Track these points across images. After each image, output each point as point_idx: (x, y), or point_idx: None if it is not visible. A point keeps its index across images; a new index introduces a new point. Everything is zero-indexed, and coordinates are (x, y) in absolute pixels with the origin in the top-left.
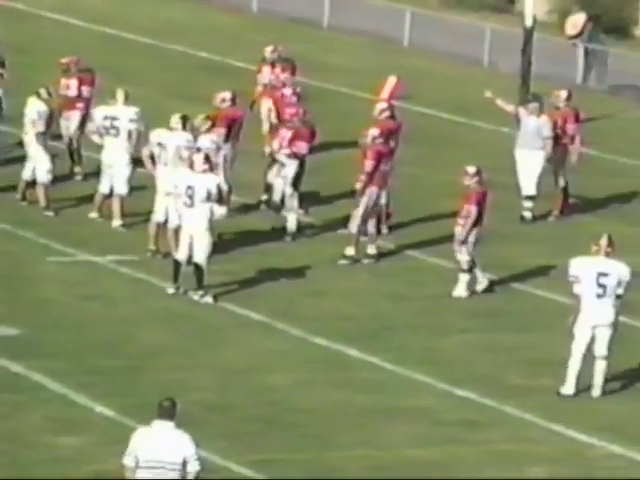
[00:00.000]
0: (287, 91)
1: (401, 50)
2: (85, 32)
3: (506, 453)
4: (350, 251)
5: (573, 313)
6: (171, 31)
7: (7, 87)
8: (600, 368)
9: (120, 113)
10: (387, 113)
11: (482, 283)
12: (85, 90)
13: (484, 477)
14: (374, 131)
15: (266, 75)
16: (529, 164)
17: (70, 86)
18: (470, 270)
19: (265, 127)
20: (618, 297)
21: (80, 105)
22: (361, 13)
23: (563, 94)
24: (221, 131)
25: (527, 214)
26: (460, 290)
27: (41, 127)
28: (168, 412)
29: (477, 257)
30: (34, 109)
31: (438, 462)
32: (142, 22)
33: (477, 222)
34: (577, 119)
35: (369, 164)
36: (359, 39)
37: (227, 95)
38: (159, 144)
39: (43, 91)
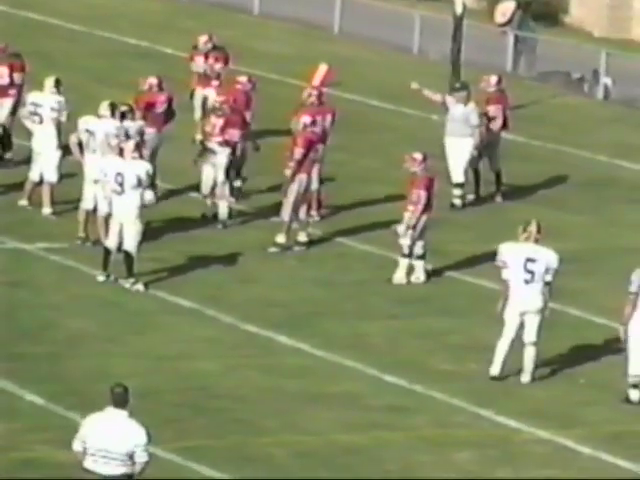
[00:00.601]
0: (242, 79)
1: (331, 37)
2: (9, 17)
3: (434, 438)
4: (281, 239)
5: (502, 299)
6: (99, 17)
7: None
8: (529, 354)
9: (44, 101)
10: (314, 99)
11: (419, 276)
12: (17, 77)
13: (412, 462)
14: (305, 118)
15: (200, 64)
16: (457, 152)
17: (2, 74)
18: (410, 255)
19: (197, 115)
20: (547, 284)
21: (12, 92)
22: (292, 0)
23: (493, 79)
24: (140, 115)
25: (457, 201)
26: (400, 276)
27: None
28: (120, 399)
29: (426, 244)
30: None
31: (365, 447)
32: (70, 8)
33: (426, 208)
34: (505, 103)
35: (298, 151)
36: (289, 26)
37: (154, 81)
38: (87, 131)
39: None
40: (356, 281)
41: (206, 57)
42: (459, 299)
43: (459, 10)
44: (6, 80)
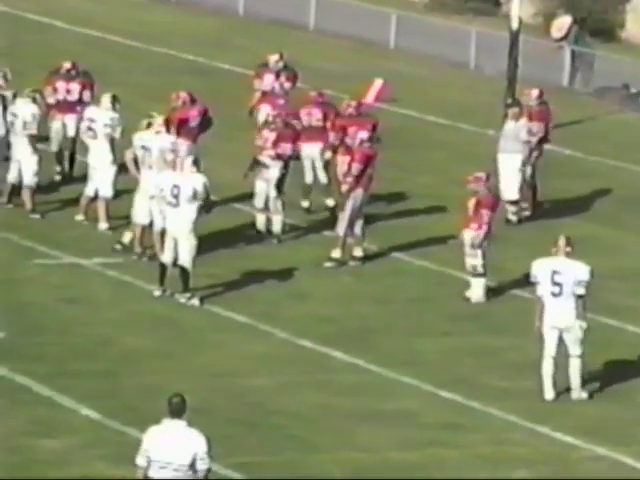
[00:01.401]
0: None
1: (387, 53)
2: (68, 35)
3: (489, 455)
4: (336, 253)
5: (537, 316)
6: (156, 34)
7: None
8: (574, 367)
9: (99, 116)
10: (351, 110)
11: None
12: (86, 95)
13: (466, 479)
14: (363, 134)
15: (269, 82)
16: (509, 168)
17: (71, 90)
18: (485, 274)
19: None
20: (579, 297)
21: (79, 109)
22: (347, 16)
23: (534, 93)
24: (191, 131)
25: (512, 217)
26: (478, 294)
27: (34, 130)
28: (178, 408)
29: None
30: (28, 112)
31: (420, 465)
32: (126, 25)
33: (489, 228)
34: (547, 117)
35: (356, 167)
36: (345, 42)
37: (185, 96)
38: (143, 147)
39: (36, 94)
40: (411, 297)
41: (277, 75)
42: (515, 316)
43: (515, 25)
44: (75, 97)
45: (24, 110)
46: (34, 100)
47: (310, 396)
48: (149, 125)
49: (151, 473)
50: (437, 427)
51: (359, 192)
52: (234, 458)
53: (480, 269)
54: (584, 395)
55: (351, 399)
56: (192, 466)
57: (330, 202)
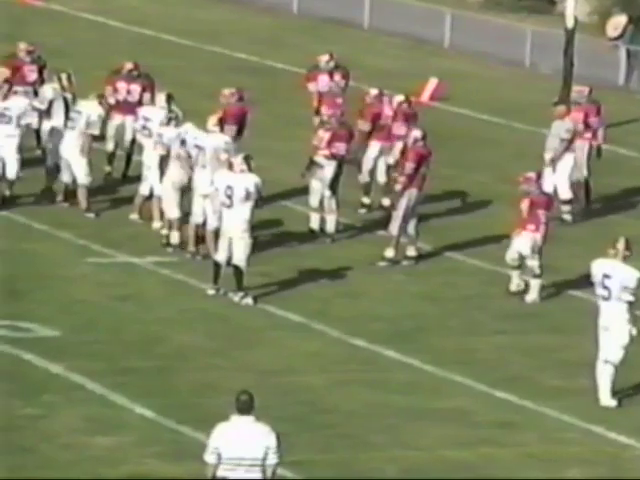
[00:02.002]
0: (374, 91)
1: (441, 52)
2: (122, 33)
3: (543, 455)
4: (390, 253)
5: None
6: (209, 32)
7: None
8: (606, 372)
9: (154, 115)
10: (405, 106)
11: (518, 285)
12: (146, 96)
13: (519, 478)
14: (417, 132)
15: (324, 83)
16: (560, 167)
17: (132, 91)
18: (541, 275)
19: None
20: (628, 303)
21: (138, 110)
22: (401, 14)
23: (585, 90)
24: (232, 128)
25: (567, 217)
26: (534, 296)
27: (96, 131)
28: (246, 406)
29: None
30: (95, 112)
31: (472, 463)
32: (180, 24)
33: (547, 228)
34: (599, 113)
35: (409, 166)
36: (399, 40)
37: (234, 92)
38: (197, 146)
39: (100, 95)
40: (464, 296)
41: (330, 75)
42: (569, 315)
43: (570, 24)
44: (136, 97)
45: (90, 110)
46: (100, 102)
47: (363, 394)
48: (100, 98)
49: (222, 472)
50: (490, 426)
51: (413, 191)
52: (287, 456)
53: (537, 270)
54: (613, 403)
55: (404, 397)
56: (263, 461)
57: (386, 201)
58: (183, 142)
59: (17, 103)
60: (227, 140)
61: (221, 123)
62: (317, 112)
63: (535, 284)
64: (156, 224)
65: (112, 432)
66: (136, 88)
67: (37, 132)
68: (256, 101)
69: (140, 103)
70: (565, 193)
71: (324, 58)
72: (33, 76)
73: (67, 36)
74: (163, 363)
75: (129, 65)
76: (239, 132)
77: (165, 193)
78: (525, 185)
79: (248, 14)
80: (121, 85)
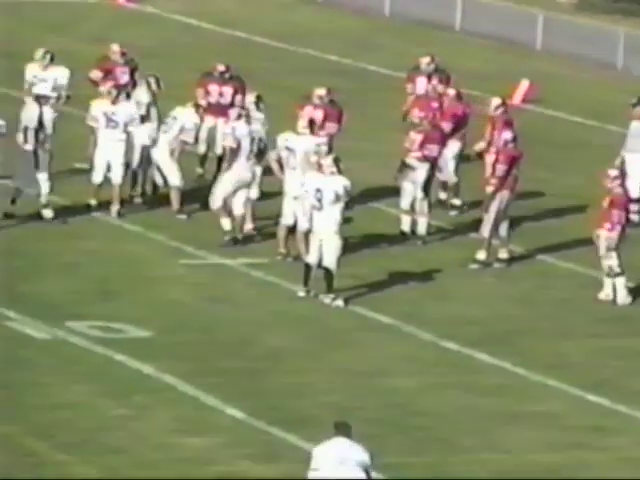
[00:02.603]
0: (451, 91)
1: (533, 54)
2: (214, 36)
3: (637, 459)
4: (481, 255)
5: None
6: (300, 34)
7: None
8: None
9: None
10: (502, 109)
11: (607, 295)
12: (237, 99)
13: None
14: (507, 134)
15: (422, 86)
16: (635, 167)
17: (224, 93)
18: (623, 273)
19: None
20: None
21: (229, 112)
22: (493, 16)
23: None
24: (334, 126)
25: (635, 217)
26: (623, 296)
27: (190, 138)
28: (344, 431)
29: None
30: (190, 120)
31: (565, 467)
32: (272, 26)
33: (623, 228)
34: None
35: (501, 168)
36: (491, 42)
37: (323, 92)
38: (287, 148)
39: (196, 105)
40: (557, 299)
41: (429, 78)
42: None
43: None
44: (228, 100)
45: (185, 117)
46: (197, 111)
47: (454, 397)
48: (197, 107)
49: None
50: (582, 430)
51: (504, 193)
52: (379, 459)
53: (617, 269)
54: None
55: (495, 400)
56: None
57: (456, 201)
58: (252, 140)
59: (125, 108)
60: (317, 142)
61: (311, 125)
62: (406, 114)
63: (620, 283)
64: (248, 226)
65: (203, 433)
66: (228, 90)
67: None
68: (347, 103)
69: (232, 105)
70: (635, 191)
71: (425, 60)
72: (125, 78)
73: (159, 38)
74: (254, 365)
75: (221, 67)
76: (335, 133)
77: (223, 186)
78: (610, 183)
79: (340, 16)
80: (213, 87)
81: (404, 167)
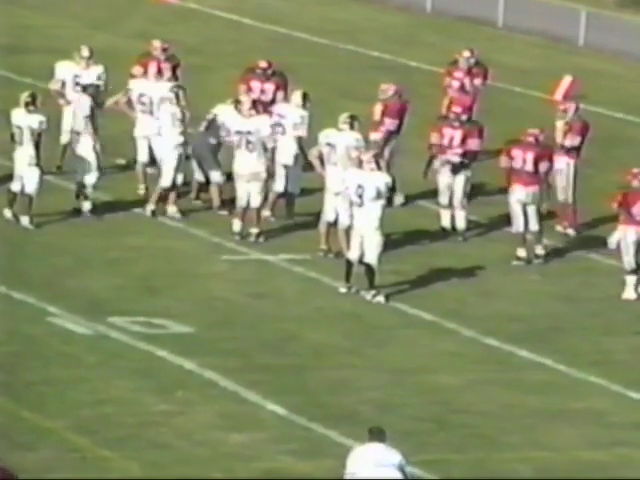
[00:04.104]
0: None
1: (576, 50)
2: (256, 32)
3: None
4: (522, 252)
5: None
6: (343, 31)
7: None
8: None
9: (288, 113)
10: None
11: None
12: (279, 95)
13: None
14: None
15: (458, 79)
16: None
17: (265, 90)
18: (636, 271)
19: None
20: None
21: (271, 108)
22: (536, 12)
23: None
24: (395, 122)
25: None
26: (629, 292)
27: (230, 136)
28: (380, 438)
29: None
30: (230, 117)
31: (609, 464)
32: (314, 22)
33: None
34: None
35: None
36: (534, 38)
37: (391, 88)
38: (328, 144)
39: (236, 101)
40: (601, 297)
41: (468, 72)
42: None
43: None
44: (269, 97)
45: (225, 114)
46: (236, 107)
47: (497, 394)
48: (237, 103)
49: None
50: (626, 427)
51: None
52: (422, 455)
53: (627, 266)
54: None
55: (539, 398)
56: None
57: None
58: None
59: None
60: (358, 138)
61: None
62: (448, 108)
63: (630, 280)
64: (288, 221)
65: (246, 429)
66: (270, 87)
67: None
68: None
69: (273, 102)
70: None
71: (465, 54)
72: (167, 74)
73: (202, 34)
74: (297, 361)
75: (263, 64)
76: (399, 127)
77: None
78: (630, 179)
79: (382, 12)
80: (255, 84)
81: (430, 164)
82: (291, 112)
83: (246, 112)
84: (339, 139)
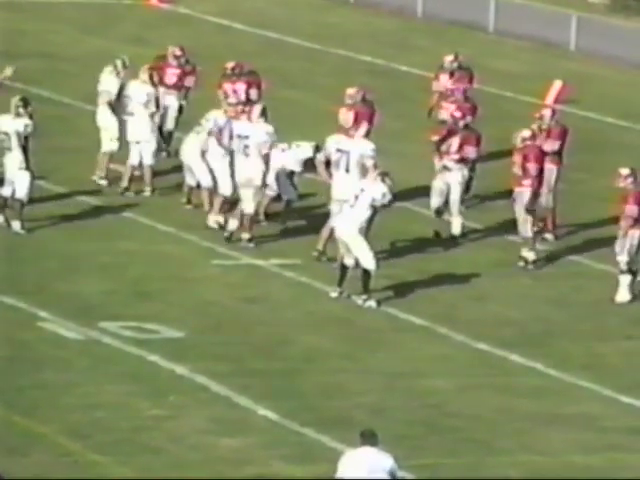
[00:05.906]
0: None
1: (567, 54)
2: (248, 37)
3: None
4: (531, 255)
5: None
6: (334, 35)
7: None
8: None
9: (251, 132)
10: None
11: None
12: (253, 93)
13: None
14: (526, 133)
15: (443, 83)
16: None
17: (237, 90)
18: (630, 271)
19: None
20: None
21: (248, 109)
22: (527, 17)
23: None
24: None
25: None
26: (623, 294)
27: (225, 139)
28: (370, 441)
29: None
30: (223, 120)
31: (601, 469)
32: (305, 27)
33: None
34: None
35: (533, 167)
36: (525, 43)
37: (360, 91)
38: (340, 150)
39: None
40: (592, 301)
41: (451, 76)
42: None
43: None
44: (242, 96)
45: (219, 117)
46: (226, 110)
47: (489, 399)
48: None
49: None
50: (618, 431)
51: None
52: (414, 459)
53: (622, 266)
54: None
55: (530, 402)
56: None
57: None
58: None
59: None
60: (373, 147)
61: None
62: (430, 111)
63: (624, 280)
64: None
65: (238, 433)
66: (241, 86)
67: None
68: (381, 104)
69: (249, 101)
70: None
71: (448, 58)
72: (173, 79)
73: (193, 39)
74: (288, 365)
75: (230, 64)
76: (367, 132)
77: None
78: (618, 180)
79: (374, 17)
80: (227, 86)
81: (444, 170)
82: (254, 130)
83: (255, 119)
84: (353, 146)
